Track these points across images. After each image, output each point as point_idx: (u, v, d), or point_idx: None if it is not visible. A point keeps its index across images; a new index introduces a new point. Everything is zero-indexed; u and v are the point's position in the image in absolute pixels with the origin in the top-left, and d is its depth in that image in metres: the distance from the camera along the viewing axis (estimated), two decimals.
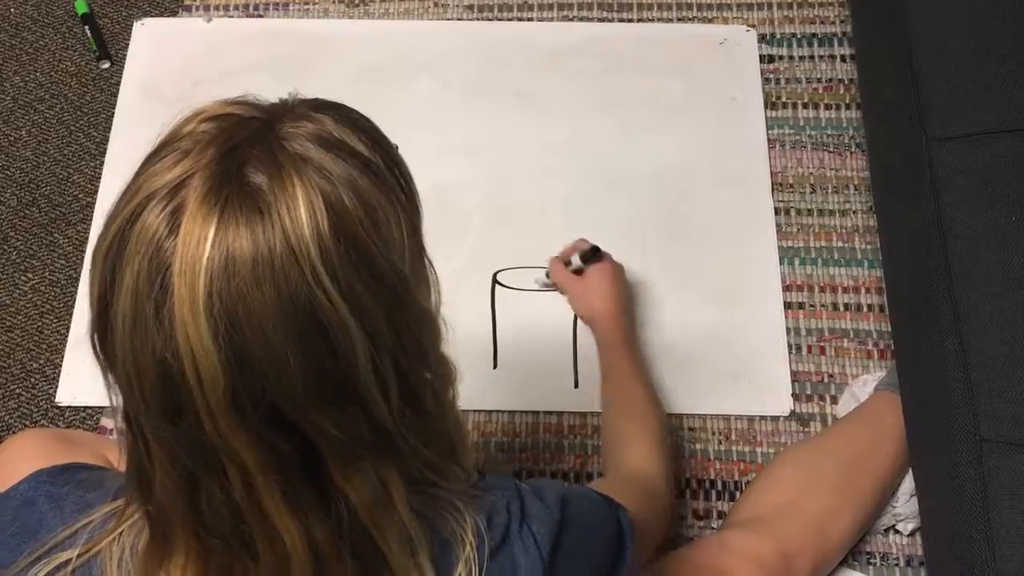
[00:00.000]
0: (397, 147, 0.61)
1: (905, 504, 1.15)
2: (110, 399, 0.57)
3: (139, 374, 0.52)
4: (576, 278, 1.24)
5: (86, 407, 1.29)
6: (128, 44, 1.55)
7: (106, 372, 0.56)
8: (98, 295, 0.54)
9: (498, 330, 1.32)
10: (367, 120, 0.59)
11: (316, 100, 0.58)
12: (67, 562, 0.64)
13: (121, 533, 0.63)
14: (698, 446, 1.25)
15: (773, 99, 1.47)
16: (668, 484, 1.06)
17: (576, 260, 1.24)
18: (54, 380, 1.31)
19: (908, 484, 1.14)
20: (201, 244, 0.50)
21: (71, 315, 1.35)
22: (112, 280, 0.52)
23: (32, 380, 1.32)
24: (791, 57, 1.51)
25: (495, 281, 1.35)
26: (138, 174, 0.54)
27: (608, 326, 1.19)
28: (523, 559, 0.65)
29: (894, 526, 1.17)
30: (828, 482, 1.12)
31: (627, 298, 1.24)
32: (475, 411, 1.27)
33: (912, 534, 1.17)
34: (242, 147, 0.53)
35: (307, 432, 0.54)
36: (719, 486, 1.23)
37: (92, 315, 0.55)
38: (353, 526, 0.57)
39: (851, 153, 1.43)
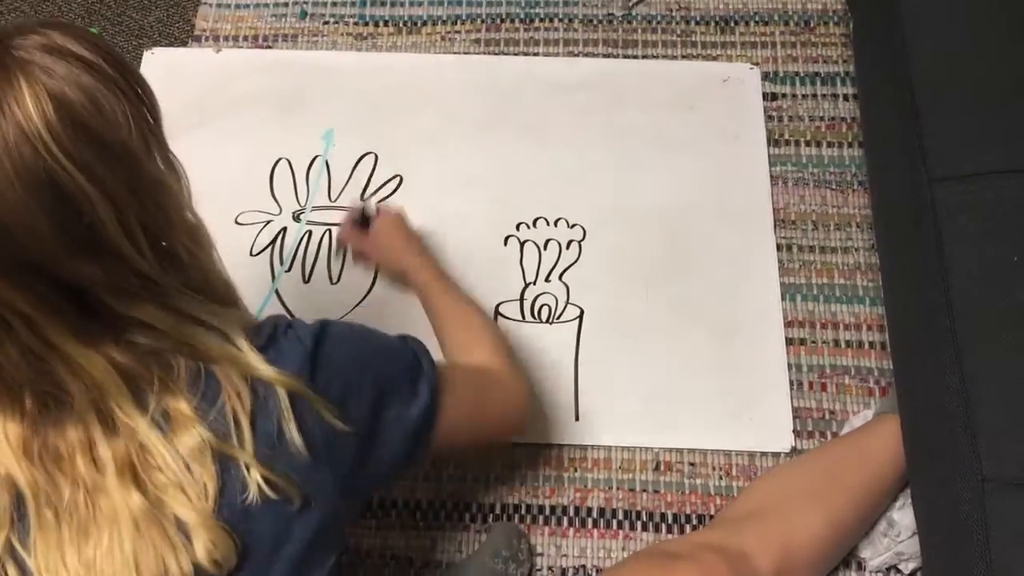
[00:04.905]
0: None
1: (908, 542, 1.14)
2: None
3: None
4: (366, 239, 1.32)
5: None
6: None
7: None
8: None
9: None
10: (93, 34, 0.70)
11: (46, 19, 0.72)
12: None
13: None
14: (699, 481, 1.25)
15: (776, 136, 1.48)
16: (514, 379, 1.09)
17: (356, 226, 1.33)
18: None
19: (911, 520, 1.13)
20: None
21: None
22: None
23: None
24: (794, 95, 1.52)
25: (497, 313, 1.35)
26: None
27: (407, 270, 1.26)
28: (287, 348, 0.79)
29: (896, 565, 1.16)
30: (799, 487, 1.14)
31: (412, 240, 1.30)
32: None
33: (913, 574, 1.16)
34: None
35: (71, 280, 0.65)
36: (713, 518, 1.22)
37: None
38: (153, 342, 0.71)
39: (853, 191, 1.44)
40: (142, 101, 0.70)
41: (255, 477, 0.73)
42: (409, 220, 1.33)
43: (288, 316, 0.84)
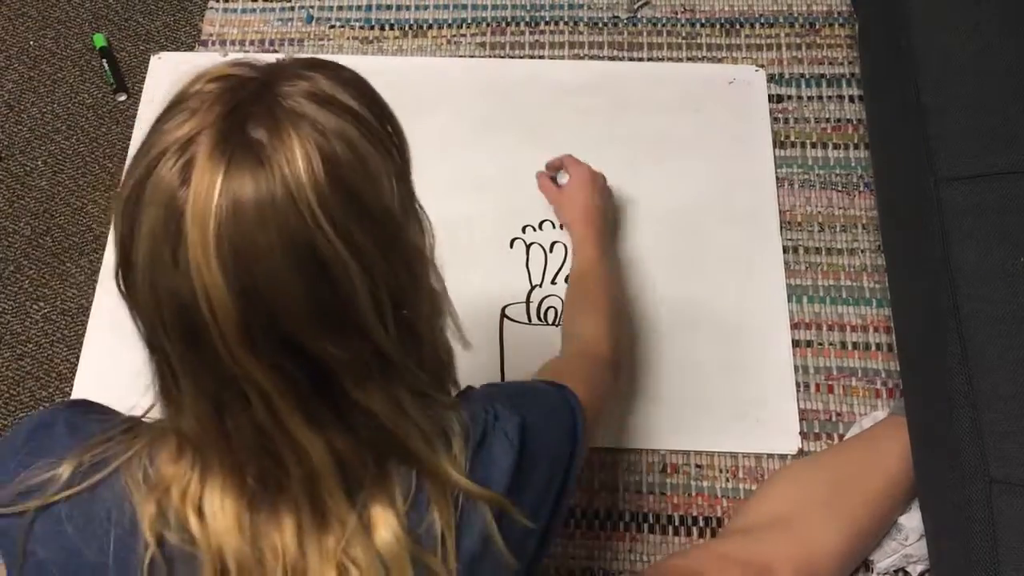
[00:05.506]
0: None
1: (916, 545, 1.14)
2: (137, 328, 0.62)
3: (158, 308, 0.58)
4: (558, 190, 1.37)
5: None
6: (145, 77, 1.57)
7: (129, 306, 0.62)
8: (120, 240, 0.60)
9: (506, 364, 1.32)
10: (358, 77, 0.65)
11: (310, 59, 0.63)
12: (80, 473, 0.67)
13: (140, 448, 0.67)
14: (705, 483, 1.25)
15: (782, 138, 1.48)
16: (615, 354, 1.11)
17: (559, 178, 1.40)
18: None
19: (918, 523, 1.13)
20: (210, 192, 0.55)
21: (82, 344, 1.35)
22: (132, 228, 0.58)
23: (41, 408, 1.32)
24: (800, 97, 1.52)
25: (504, 315, 1.35)
26: (151, 132, 0.59)
27: (580, 225, 1.28)
28: (499, 451, 0.73)
29: (904, 568, 1.16)
30: (818, 496, 1.13)
31: (601, 202, 1.33)
32: None
33: None
34: (243, 105, 0.58)
35: (316, 356, 0.60)
36: (726, 523, 1.22)
37: (116, 256, 0.61)
38: (372, 435, 0.65)
39: (859, 192, 1.44)
40: (400, 152, 0.65)
41: None
42: (600, 183, 1.35)
43: (482, 393, 0.79)
